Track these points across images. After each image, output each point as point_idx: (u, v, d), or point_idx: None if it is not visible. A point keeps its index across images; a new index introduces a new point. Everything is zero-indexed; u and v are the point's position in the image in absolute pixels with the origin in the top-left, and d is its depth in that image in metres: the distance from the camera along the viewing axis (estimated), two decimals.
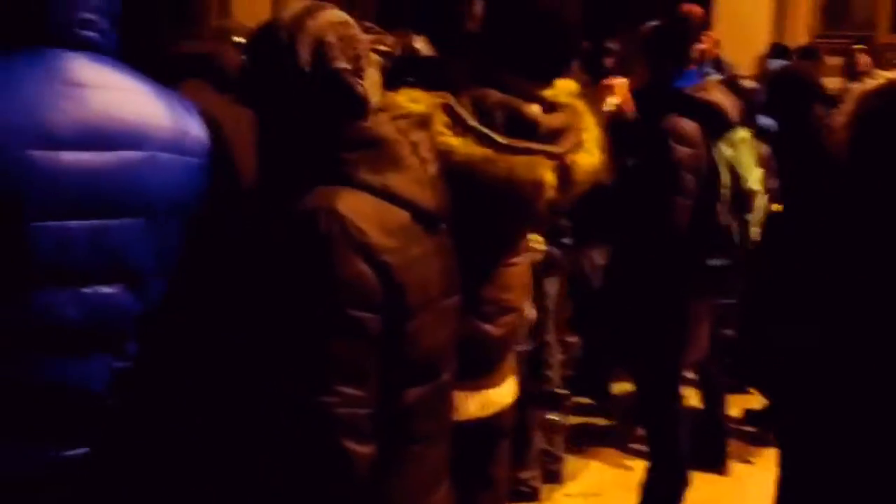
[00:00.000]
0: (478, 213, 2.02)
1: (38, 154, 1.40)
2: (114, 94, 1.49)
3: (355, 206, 1.64)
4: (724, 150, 3.43)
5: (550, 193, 2.14)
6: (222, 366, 1.63)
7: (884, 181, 1.80)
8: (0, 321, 1.42)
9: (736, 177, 3.43)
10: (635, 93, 3.71)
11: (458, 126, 2.08)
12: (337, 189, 1.66)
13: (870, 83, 1.90)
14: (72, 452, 1.49)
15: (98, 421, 1.50)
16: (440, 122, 2.07)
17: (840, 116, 1.93)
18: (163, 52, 1.84)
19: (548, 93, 2.23)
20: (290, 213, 1.64)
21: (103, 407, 1.50)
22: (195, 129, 1.58)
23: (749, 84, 4.97)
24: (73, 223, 1.43)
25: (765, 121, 4.57)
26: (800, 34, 9.22)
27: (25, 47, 1.45)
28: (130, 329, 1.50)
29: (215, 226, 1.59)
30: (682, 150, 3.34)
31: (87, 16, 1.49)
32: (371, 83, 1.73)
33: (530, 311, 2.57)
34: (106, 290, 1.47)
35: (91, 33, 1.49)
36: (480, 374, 2.23)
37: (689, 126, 3.38)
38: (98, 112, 1.46)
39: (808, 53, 7.17)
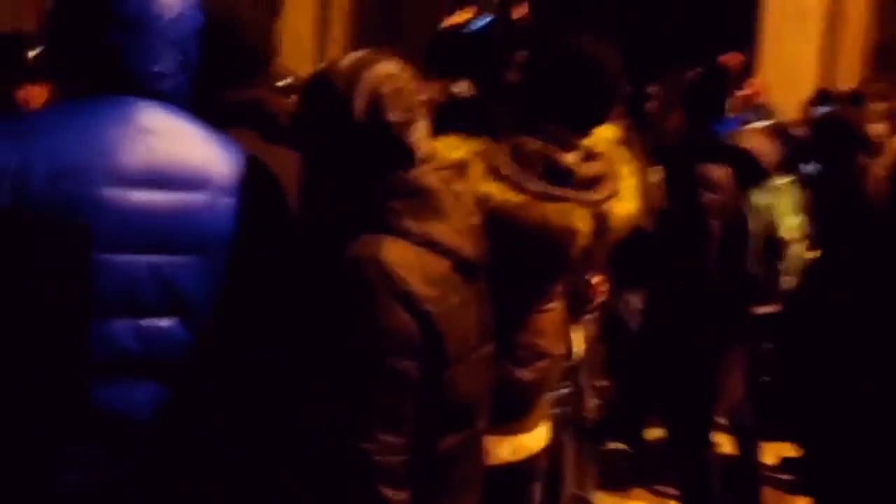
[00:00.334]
0: (513, 259, 2.06)
1: (109, 191, 1.51)
2: (180, 141, 1.60)
3: (398, 255, 1.68)
4: (758, 197, 3.45)
5: (585, 241, 2.17)
6: (263, 400, 1.67)
7: None
8: (62, 347, 1.51)
9: (769, 225, 3.44)
10: (674, 139, 3.74)
11: (495, 173, 2.12)
12: (381, 237, 1.69)
13: None
14: (113, 476, 1.54)
15: (140, 447, 1.56)
16: (478, 169, 2.12)
17: (880, 169, 1.94)
18: (216, 99, 1.91)
19: (586, 141, 2.27)
20: (335, 260, 1.68)
21: (146, 433, 1.56)
22: (242, 175, 1.66)
23: (796, 130, 4.97)
24: (138, 257, 1.52)
25: (809, 168, 4.56)
26: (848, 79, 9.17)
27: (102, 95, 1.58)
28: (179, 360, 1.57)
29: (262, 267, 1.65)
30: (709, 197, 3.38)
31: (162, 69, 1.60)
32: (421, 135, 1.77)
33: (578, 351, 2.60)
34: (162, 322, 1.55)
35: (164, 85, 1.61)
36: (513, 419, 2.26)
37: (718, 172, 3.41)
38: (165, 157, 1.57)
39: (855, 99, 7.13)
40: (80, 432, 1.53)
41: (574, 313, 2.57)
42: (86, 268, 1.49)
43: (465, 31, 2.65)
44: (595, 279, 2.70)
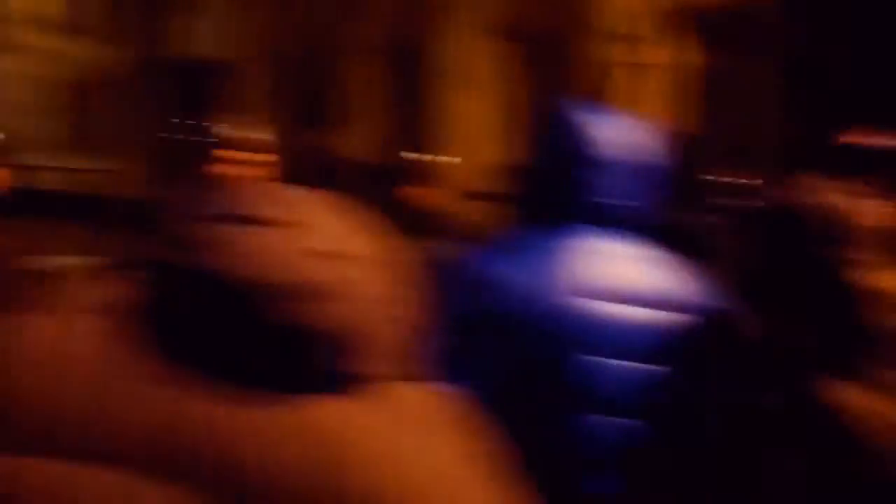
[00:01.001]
0: None
1: (582, 303, 1.75)
2: (638, 264, 1.82)
3: (865, 406, 1.62)
4: None
5: None
6: None
7: None
8: (552, 437, 1.73)
9: None
10: None
11: None
12: (850, 384, 1.66)
13: None
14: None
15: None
16: None
17: None
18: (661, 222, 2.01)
19: None
20: (795, 396, 1.66)
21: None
22: (693, 295, 1.78)
23: None
24: (610, 361, 1.73)
25: None
26: None
27: (567, 224, 1.84)
28: (642, 457, 1.76)
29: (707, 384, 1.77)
30: None
31: (622, 202, 1.83)
32: (877, 272, 1.72)
33: None
34: (629, 423, 1.73)
35: (622, 214, 1.84)
36: None
37: None
38: (628, 276, 1.79)
39: None
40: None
41: None
42: (571, 366, 1.72)
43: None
44: None
